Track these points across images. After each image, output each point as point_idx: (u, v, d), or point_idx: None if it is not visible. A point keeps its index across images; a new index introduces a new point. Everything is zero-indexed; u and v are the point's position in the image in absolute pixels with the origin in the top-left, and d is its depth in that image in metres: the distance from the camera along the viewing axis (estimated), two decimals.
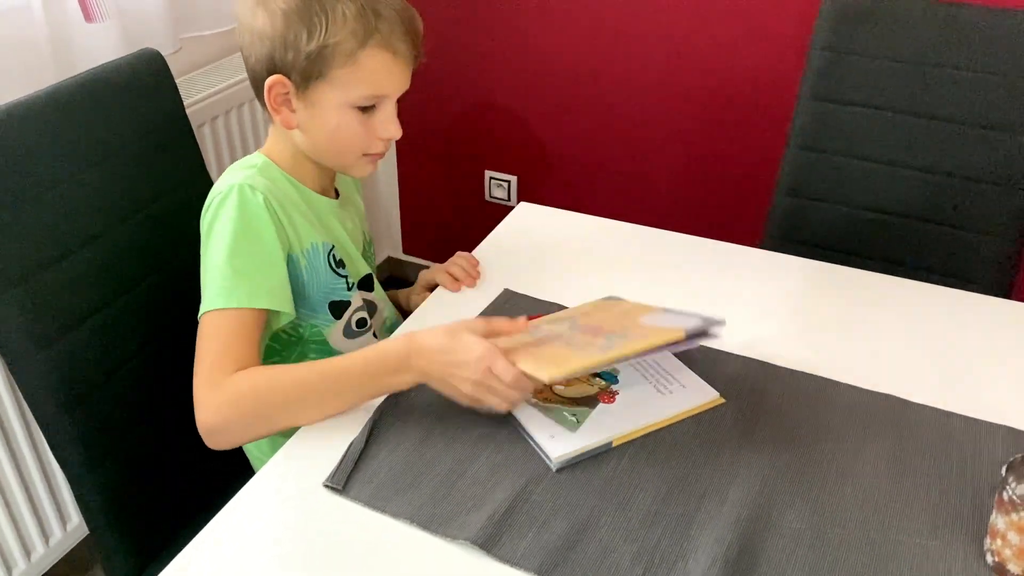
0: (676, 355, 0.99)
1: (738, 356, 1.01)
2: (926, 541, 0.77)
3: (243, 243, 0.95)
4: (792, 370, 0.98)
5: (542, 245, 1.27)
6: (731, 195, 2.04)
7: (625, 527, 0.78)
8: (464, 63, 2.16)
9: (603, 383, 0.96)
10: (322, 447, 0.88)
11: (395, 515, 0.80)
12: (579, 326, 0.95)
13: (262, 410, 0.90)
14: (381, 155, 1.06)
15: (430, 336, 0.89)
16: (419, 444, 0.88)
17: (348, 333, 1.09)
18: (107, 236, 1.06)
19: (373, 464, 0.86)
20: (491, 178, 2.31)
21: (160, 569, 0.76)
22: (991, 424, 0.90)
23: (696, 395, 0.93)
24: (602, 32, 1.99)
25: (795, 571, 0.74)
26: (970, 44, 1.34)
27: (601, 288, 1.13)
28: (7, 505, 1.45)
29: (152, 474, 1.10)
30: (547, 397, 0.93)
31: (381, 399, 0.94)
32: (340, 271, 1.08)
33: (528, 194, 2.27)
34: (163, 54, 1.16)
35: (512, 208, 1.37)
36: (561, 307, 1.09)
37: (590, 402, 0.92)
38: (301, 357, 1.07)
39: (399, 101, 1.03)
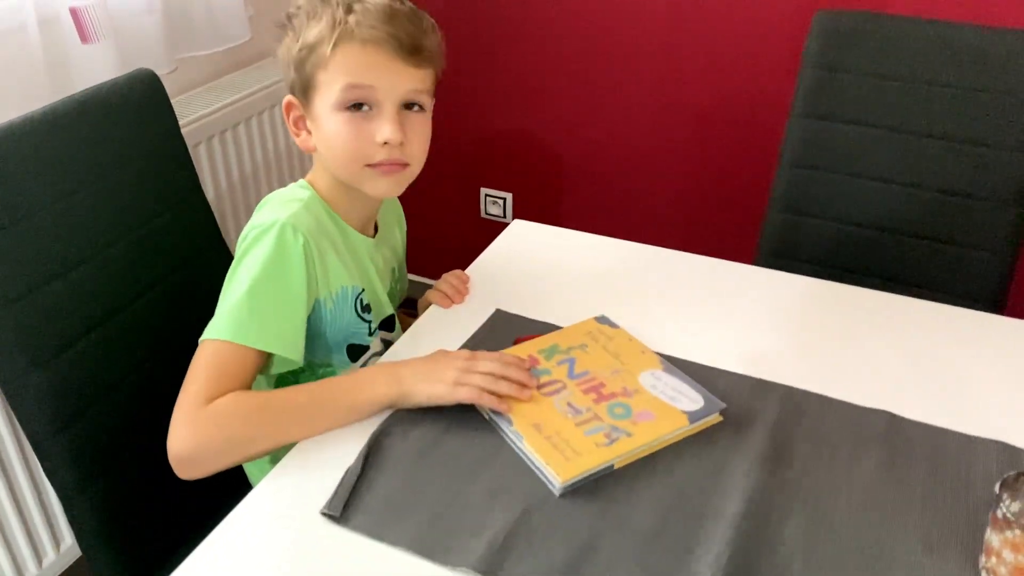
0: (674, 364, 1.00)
1: (732, 373, 1.01)
2: (921, 558, 0.77)
3: (269, 283, 0.93)
4: (786, 386, 0.98)
5: (536, 263, 1.27)
6: (725, 212, 2.04)
7: (627, 549, 0.78)
8: (460, 80, 2.17)
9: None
10: (317, 467, 0.87)
11: (394, 543, 0.79)
12: (577, 376, 0.96)
13: (246, 434, 0.88)
14: (390, 166, 0.99)
15: (410, 358, 0.94)
16: (415, 469, 0.87)
17: None
18: (102, 256, 1.06)
19: (369, 491, 0.84)
20: (487, 195, 2.32)
21: None
22: (985, 440, 0.90)
23: (702, 411, 0.92)
24: (597, 51, 2.00)
25: None
26: (960, 62, 1.35)
27: (594, 308, 1.13)
28: (0, 525, 1.44)
29: (146, 494, 1.10)
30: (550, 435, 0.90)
31: (374, 424, 0.92)
32: (365, 315, 1.07)
33: (523, 211, 2.27)
34: (158, 74, 1.17)
35: (507, 225, 1.38)
36: (553, 327, 1.09)
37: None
38: None
39: (411, 107, 1.00)
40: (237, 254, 0.98)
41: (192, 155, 1.24)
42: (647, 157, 2.07)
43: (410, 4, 1.00)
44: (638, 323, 1.08)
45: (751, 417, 0.94)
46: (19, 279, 0.96)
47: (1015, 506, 0.74)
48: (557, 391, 0.94)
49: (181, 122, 1.22)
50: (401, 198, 1.20)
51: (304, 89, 0.98)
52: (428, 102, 1.01)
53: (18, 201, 0.97)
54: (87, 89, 1.09)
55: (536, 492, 0.84)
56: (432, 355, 0.96)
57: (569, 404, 0.92)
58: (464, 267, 1.25)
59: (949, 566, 0.76)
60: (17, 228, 0.96)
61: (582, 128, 2.11)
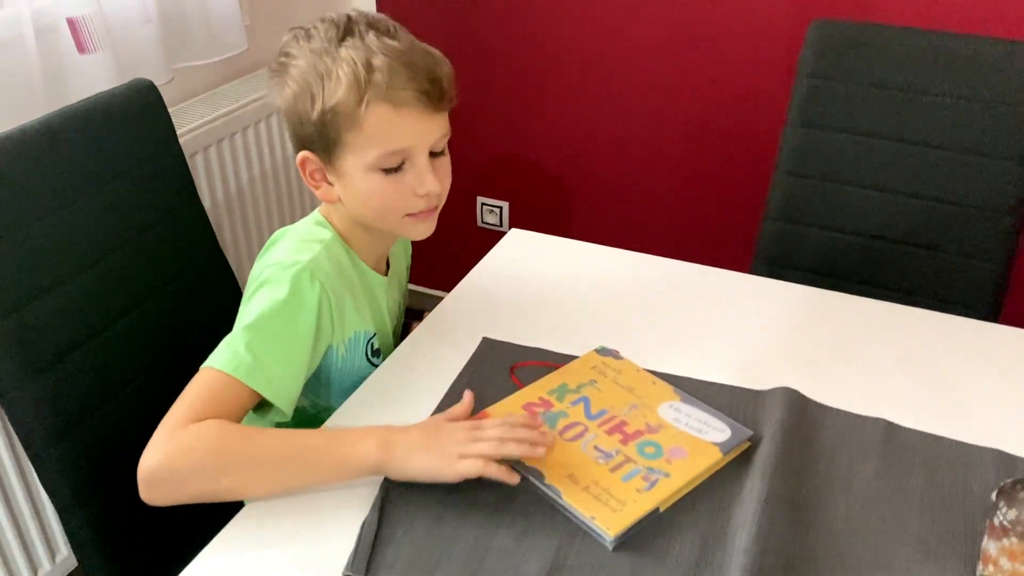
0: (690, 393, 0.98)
1: (729, 387, 1.00)
2: (918, 567, 0.77)
3: (275, 326, 0.90)
4: (784, 393, 0.99)
5: (534, 274, 1.27)
6: (721, 220, 2.05)
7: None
8: (456, 89, 2.17)
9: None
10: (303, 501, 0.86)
11: None
12: (596, 417, 0.93)
13: (214, 464, 0.82)
14: (430, 212, 0.99)
15: (405, 425, 0.87)
16: (436, 519, 0.82)
17: None
18: (99, 266, 1.06)
19: (392, 546, 0.79)
20: (483, 204, 2.32)
21: None
22: (981, 448, 0.91)
23: (731, 441, 0.90)
24: (594, 60, 2.01)
25: None
26: (954, 72, 1.36)
27: (594, 318, 1.13)
28: None
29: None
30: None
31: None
32: (374, 360, 1.05)
33: (520, 220, 2.28)
34: (156, 84, 1.17)
35: (504, 234, 1.38)
36: (545, 352, 1.06)
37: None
38: None
39: (438, 154, 0.97)
40: (251, 287, 0.95)
41: (189, 164, 1.24)
42: (643, 166, 2.08)
43: (421, 44, 0.96)
44: (636, 333, 1.09)
45: (758, 428, 0.93)
46: (16, 289, 0.96)
47: (1012, 514, 0.74)
48: (580, 435, 0.91)
49: (178, 131, 1.22)
50: None
51: (327, 147, 0.94)
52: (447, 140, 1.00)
53: (16, 211, 0.97)
54: (85, 99, 1.09)
55: (565, 529, 0.81)
56: (430, 423, 0.89)
57: (597, 448, 0.89)
58: (460, 276, 1.25)
59: (947, 574, 0.76)
60: (14, 238, 0.96)
61: (579, 137, 2.11)
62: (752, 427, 0.93)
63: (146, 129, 1.14)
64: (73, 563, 1.59)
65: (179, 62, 1.67)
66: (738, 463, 0.89)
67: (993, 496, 0.73)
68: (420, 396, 0.99)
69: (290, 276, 0.92)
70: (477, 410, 0.94)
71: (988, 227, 1.38)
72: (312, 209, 1.08)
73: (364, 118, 0.90)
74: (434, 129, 0.95)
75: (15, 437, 1.40)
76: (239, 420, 0.88)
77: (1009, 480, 0.74)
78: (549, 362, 1.04)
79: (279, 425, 0.97)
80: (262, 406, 0.92)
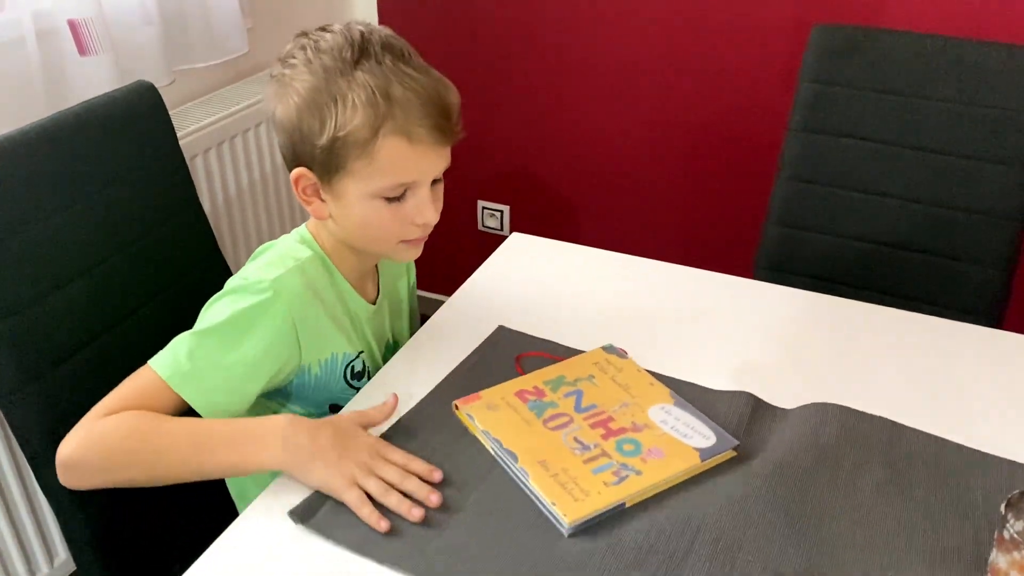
0: (687, 398, 0.98)
1: (732, 393, 1.00)
2: (925, 571, 0.76)
3: (223, 339, 0.90)
4: (786, 408, 0.98)
5: (536, 278, 1.26)
6: (722, 225, 2.05)
7: (615, 568, 0.77)
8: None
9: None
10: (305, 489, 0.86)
11: (381, 561, 0.78)
12: (584, 410, 0.94)
13: (122, 455, 0.85)
14: (423, 238, 1.00)
15: (313, 421, 0.86)
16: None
17: None
18: (99, 268, 1.05)
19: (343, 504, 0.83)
20: (484, 208, 2.32)
21: None
22: (986, 455, 0.90)
23: (713, 449, 0.89)
24: (595, 64, 2.00)
25: None
26: (957, 76, 1.36)
27: (595, 322, 1.13)
28: None
29: (141, 510, 1.09)
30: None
31: None
32: (354, 383, 1.03)
33: (521, 224, 2.27)
34: (156, 86, 1.16)
35: (505, 238, 1.37)
36: (557, 345, 1.08)
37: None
38: None
39: (436, 181, 0.96)
40: (219, 294, 0.95)
41: (190, 167, 1.24)
42: (644, 171, 2.08)
43: (433, 71, 0.94)
44: (638, 340, 1.08)
45: (749, 435, 0.93)
46: (15, 292, 0.95)
47: (1020, 525, 0.73)
48: (564, 425, 0.92)
49: (179, 134, 1.21)
50: None
51: (328, 170, 0.92)
52: None
53: (15, 213, 0.96)
54: (86, 101, 1.08)
55: (525, 512, 0.83)
56: (345, 425, 0.88)
57: (576, 439, 0.90)
58: (462, 280, 1.24)
59: None
60: (13, 240, 0.95)
61: (580, 141, 2.11)
62: (752, 432, 0.93)
63: (146, 131, 1.14)
64: (71, 567, 1.59)
65: (180, 64, 1.66)
66: (728, 470, 0.88)
67: (1002, 508, 0.72)
68: (429, 381, 1.01)
69: (253, 292, 0.91)
70: (474, 391, 0.97)
71: (991, 233, 1.38)
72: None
73: (377, 149, 0.89)
74: (441, 162, 0.95)
75: (14, 441, 1.39)
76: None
77: (1017, 492, 0.73)
78: (556, 355, 1.05)
79: None
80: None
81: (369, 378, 1.05)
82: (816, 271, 1.50)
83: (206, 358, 0.88)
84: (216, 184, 1.73)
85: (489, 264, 1.30)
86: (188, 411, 0.89)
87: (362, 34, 0.91)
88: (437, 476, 0.86)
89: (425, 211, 0.95)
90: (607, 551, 0.79)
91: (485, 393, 0.97)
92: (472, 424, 0.93)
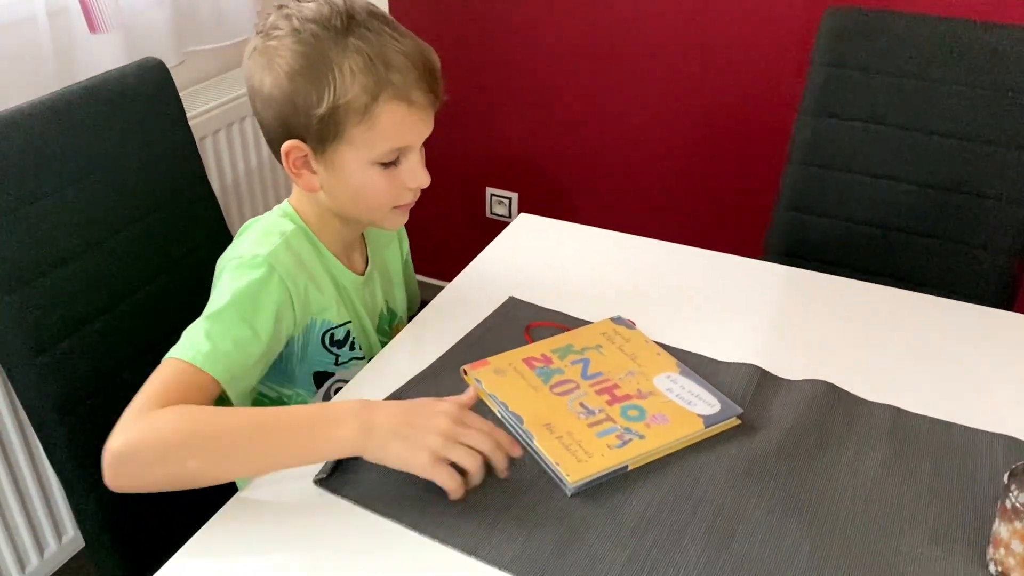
0: (694, 368, 0.98)
1: (738, 364, 1.00)
2: (927, 551, 0.76)
3: (233, 316, 0.89)
4: (791, 380, 0.98)
5: (544, 254, 1.27)
6: (732, 211, 2.04)
7: (616, 535, 0.77)
8: (465, 79, 2.17)
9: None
10: None
11: (385, 515, 0.79)
12: (591, 377, 0.95)
13: (181, 442, 0.78)
14: (411, 203, 1.01)
15: (384, 400, 0.84)
16: None
17: (327, 399, 1.04)
18: (107, 243, 1.06)
19: (364, 463, 0.82)
20: (492, 195, 2.32)
21: None
22: (991, 434, 0.90)
23: (720, 414, 0.90)
24: (603, 49, 2.00)
25: None
26: (970, 59, 1.35)
27: (604, 298, 1.13)
28: (2, 516, 1.44)
29: None
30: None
31: None
32: (332, 349, 1.03)
33: (529, 211, 2.26)
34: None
35: None
36: (566, 316, 1.09)
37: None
38: None
39: (425, 143, 0.98)
40: (216, 272, 0.95)
41: (198, 148, 1.24)
42: (654, 156, 2.07)
43: (415, 36, 0.94)
44: (647, 315, 1.08)
45: (755, 409, 0.93)
46: (24, 265, 0.96)
47: (1023, 496, 0.73)
48: (570, 391, 0.93)
49: (188, 115, 1.22)
50: None
51: (324, 139, 0.92)
52: None
53: (25, 186, 0.97)
54: (95, 76, 1.09)
55: (528, 475, 0.84)
56: (414, 405, 0.82)
57: (582, 404, 0.91)
58: (468, 263, 1.24)
59: (955, 558, 0.75)
60: (23, 213, 0.96)
61: (588, 127, 2.11)
62: (757, 407, 0.93)
63: (155, 107, 1.14)
64: (79, 544, 1.60)
65: (190, 46, 1.67)
66: (732, 440, 0.89)
67: (1005, 479, 0.72)
68: (438, 350, 1.02)
69: (249, 268, 0.91)
70: (483, 357, 0.98)
71: (1002, 218, 1.37)
72: None
73: (378, 115, 0.90)
74: (429, 126, 0.96)
75: (23, 416, 1.41)
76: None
77: (1021, 463, 0.73)
78: (565, 325, 1.06)
79: None
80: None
81: (353, 348, 1.05)
82: (827, 255, 1.49)
83: (222, 336, 0.87)
84: (225, 165, 1.74)
85: (498, 242, 1.30)
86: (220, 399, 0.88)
87: (344, 2, 0.91)
88: (517, 451, 0.82)
89: (418, 174, 0.96)
90: (608, 517, 0.79)
91: (493, 359, 0.98)
92: (479, 388, 0.94)
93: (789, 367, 1.00)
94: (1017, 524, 0.70)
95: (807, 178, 1.48)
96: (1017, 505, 0.70)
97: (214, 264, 1.05)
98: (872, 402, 0.95)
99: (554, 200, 2.24)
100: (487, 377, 0.95)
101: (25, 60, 1.38)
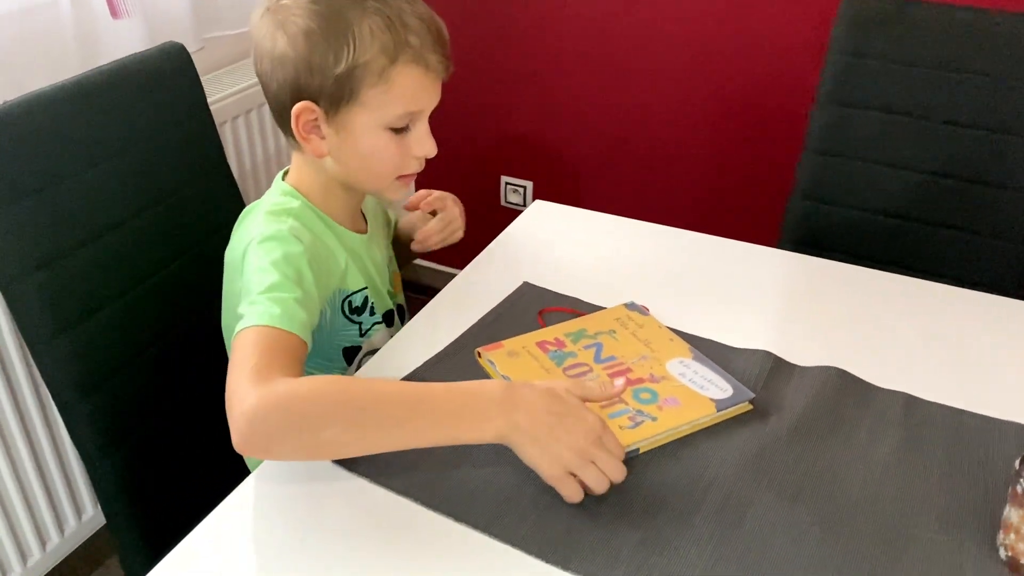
0: (706, 354, 0.99)
1: (751, 351, 1.01)
2: (937, 536, 0.76)
3: (283, 282, 0.87)
4: (804, 366, 0.98)
5: (559, 240, 1.27)
6: (747, 200, 2.04)
7: (628, 515, 0.78)
8: (480, 68, 2.17)
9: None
10: None
11: (398, 491, 0.80)
12: (604, 361, 0.96)
13: (324, 411, 0.74)
14: (414, 174, 1.01)
15: (534, 392, 0.77)
16: None
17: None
18: (128, 225, 1.07)
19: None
20: (507, 183, 2.32)
21: None
22: (1004, 422, 0.90)
23: (731, 399, 0.91)
24: (619, 38, 2.00)
25: (804, 565, 0.74)
26: (989, 49, 1.34)
27: (618, 284, 1.13)
28: (23, 493, 1.47)
29: (168, 462, 1.11)
30: None
31: None
32: (354, 318, 1.04)
33: (544, 199, 2.27)
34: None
35: None
36: (580, 302, 1.10)
37: None
38: None
39: (433, 122, 0.98)
40: (234, 270, 0.94)
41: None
42: (669, 144, 2.07)
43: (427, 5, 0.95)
44: (660, 302, 1.09)
45: (767, 394, 0.94)
46: (47, 245, 0.97)
47: None
48: (583, 374, 0.94)
49: (208, 100, 1.23)
50: (420, 186, 1.21)
51: (338, 100, 0.91)
52: None
53: (48, 168, 0.98)
54: (116, 60, 1.10)
55: None
56: (560, 407, 0.78)
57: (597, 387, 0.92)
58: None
59: (966, 543, 0.76)
60: (46, 194, 0.97)
61: (604, 116, 2.11)
62: (770, 392, 0.93)
63: (176, 92, 1.15)
64: (99, 522, 1.62)
65: (210, 32, 1.68)
66: (744, 425, 0.89)
67: (1016, 464, 0.72)
68: (452, 333, 1.03)
69: (277, 241, 0.90)
70: (497, 341, 0.99)
71: (1020, 207, 1.36)
72: None
73: (395, 77, 0.90)
74: (439, 93, 0.97)
75: (45, 394, 1.43)
76: (301, 371, 0.83)
77: None
78: (578, 311, 1.07)
79: None
80: None
81: (372, 313, 1.06)
82: (842, 245, 1.49)
83: (283, 301, 0.84)
84: (244, 150, 1.75)
85: (513, 228, 1.31)
86: None
87: None
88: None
89: (426, 143, 0.96)
90: (620, 498, 0.80)
91: (507, 342, 0.99)
92: (493, 370, 0.95)
93: (802, 354, 1.00)
94: None
95: (823, 167, 1.48)
96: None
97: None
98: (884, 389, 0.95)
99: (569, 188, 2.25)
100: (501, 359, 0.96)
101: (48, 45, 1.39)
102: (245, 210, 1.03)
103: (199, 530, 0.79)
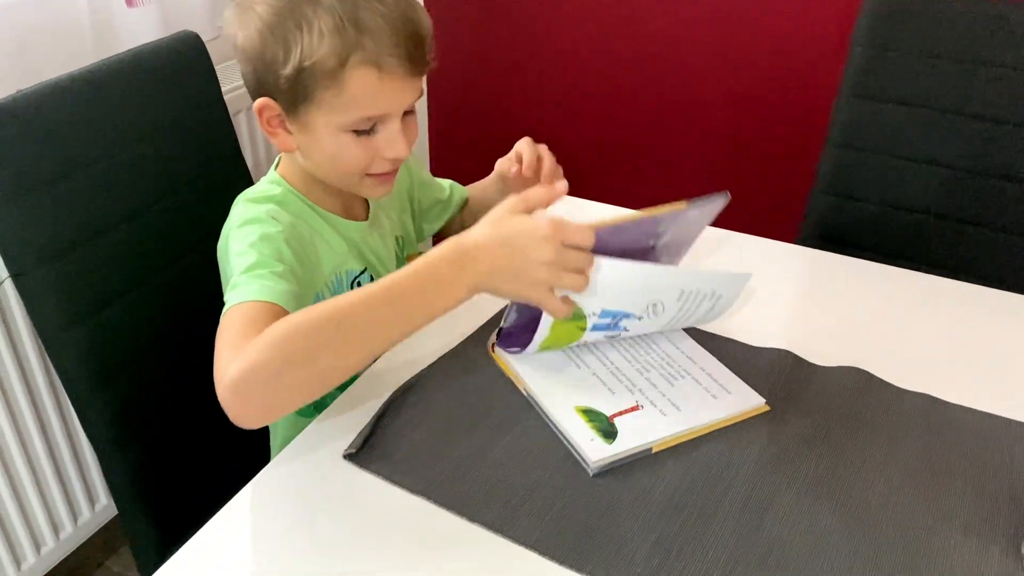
0: (722, 360, 0.96)
1: (772, 349, 0.99)
2: (961, 541, 0.75)
3: (262, 260, 0.86)
4: (827, 366, 0.97)
5: None
6: (767, 194, 2.01)
7: (644, 517, 0.77)
8: (491, 64, 2.15)
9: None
10: (345, 426, 0.88)
11: (413, 490, 0.80)
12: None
13: (304, 343, 0.73)
14: (392, 173, 0.97)
15: (478, 235, 0.76)
16: (439, 425, 0.87)
17: None
18: (142, 216, 1.06)
19: (393, 439, 0.85)
20: None
21: None
22: None
23: (742, 402, 0.90)
24: (635, 31, 1.97)
25: (825, 568, 0.72)
26: (1016, 42, 1.31)
27: None
28: (37, 483, 1.47)
29: (182, 453, 1.11)
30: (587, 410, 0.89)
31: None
32: None
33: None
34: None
35: None
36: None
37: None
38: None
39: (408, 112, 0.94)
40: (221, 259, 0.95)
41: (232, 123, 1.24)
42: (686, 138, 2.05)
43: (413, 1, 0.90)
44: None
45: (787, 394, 0.92)
46: (60, 236, 0.97)
47: None
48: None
49: (223, 89, 1.22)
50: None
51: (294, 100, 0.89)
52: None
53: (62, 158, 0.97)
54: (131, 49, 1.09)
55: (556, 456, 0.83)
56: (512, 237, 0.76)
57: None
58: None
59: (990, 548, 0.74)
60: (60, 185, 0.97)
61: (621, 108, 2.09)
62: (790, 392, 0.92)
63: (191, 81, 1.15)
64: (111, 512, 1.63)
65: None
66: (763, 426, 0.88)
67: None
68: (468, 326, 1.02)
69: (255, 222, 0.90)
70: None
71: None
72: None
73: (346, 80, 0.86)
74: (413, 93, 0.92)
75: (58, 386, 1.43)
76: None
77: None
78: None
79: None
80: None
81: None
82: (864, 241, 1.47)
83: (263, 277, 0.84)
84: (258, 140, 1.74)
85: None
86: None
87: None
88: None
89: (395, 145, 0.92)
90: (635, 500, 0.79)
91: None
92: (507, 366, 0.94)
93: (822, 353, 0.99)
94: None
95: (845, 162, 1.46)
96: None
97: None
98: (906, 390, 0.93)
99: (582, 185, 2.23)
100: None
101: (64, 34, 1.39)
102: (236, 199, 1.01)
103: (212, 524, 0.78)
